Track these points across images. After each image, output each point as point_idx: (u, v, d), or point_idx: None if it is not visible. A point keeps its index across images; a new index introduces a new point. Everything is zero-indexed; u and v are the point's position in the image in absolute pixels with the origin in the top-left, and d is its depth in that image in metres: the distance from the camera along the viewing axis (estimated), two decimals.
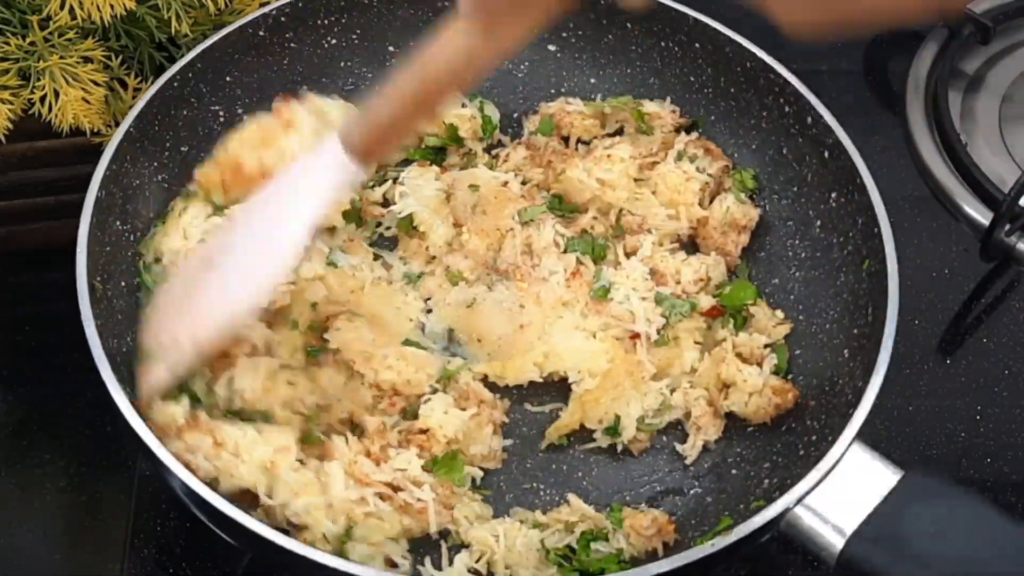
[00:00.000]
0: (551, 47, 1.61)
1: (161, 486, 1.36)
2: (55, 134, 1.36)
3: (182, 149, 1.45)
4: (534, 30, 1.06)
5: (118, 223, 1.37)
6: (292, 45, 1.54)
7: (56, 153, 1.43)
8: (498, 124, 1.58)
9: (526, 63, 1.62)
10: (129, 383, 1.24)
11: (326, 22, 1.56)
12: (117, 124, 1.38)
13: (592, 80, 1.60)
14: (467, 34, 1.07)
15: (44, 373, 1.48)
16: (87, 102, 1.34)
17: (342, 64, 1.58)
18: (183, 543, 1.35)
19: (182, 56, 1.44)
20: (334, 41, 1.57)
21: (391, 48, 1.60)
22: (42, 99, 1.33)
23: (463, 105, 1.56)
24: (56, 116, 1.33)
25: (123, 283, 1.36)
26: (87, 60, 1.35)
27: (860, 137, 1.42)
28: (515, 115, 1.61)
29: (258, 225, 1.27)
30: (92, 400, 1.41)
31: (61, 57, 1.33)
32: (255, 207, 1.29)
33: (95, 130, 1.36)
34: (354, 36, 1.58)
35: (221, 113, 1.49)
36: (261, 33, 1.51)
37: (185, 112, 1.46)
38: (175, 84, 1.43)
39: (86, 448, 1.42)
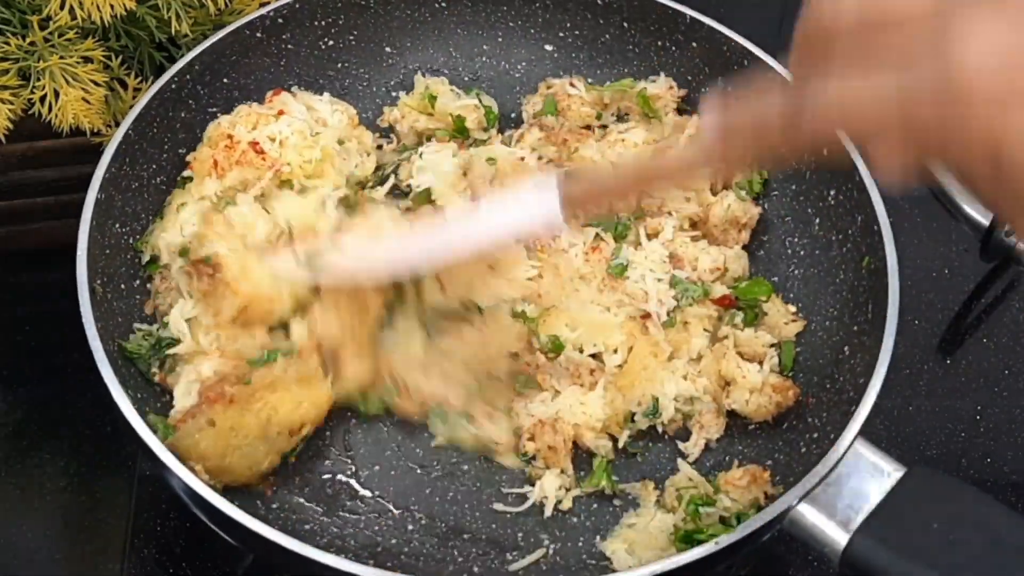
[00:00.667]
0: (548, 47, 1.62)
1: (161, 486, 1.36)
2: (55, 134, 1.36)
3: (180, 151, 1.45)
4: (760, 162, 1.15)
5: (117, 225, 1.37)
6: (289, 47, 1.54)
7: (56, 153, 1.43)
8: (499, 113, 1.59)
9: (523, 62, 1.63)
10: (130, 384, 1.24)
11: (323, 23, 1.56)
12: (117, 124, 1.38)
13: (589, 80, 1.60)
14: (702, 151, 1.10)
15: (44, 373, 1.48)
16: (87, 102, 1.34)
17: (339, 65, 1.59)
18: (183, 543, 1.35)
19: (182, 56, 1.44)
20: (331, 42, 1.58)
21: (388, 49, 1.60)
22: (42, 99, 1.33)
23: (458, 96, 1.58)
24: (56, 116, 1.33)
25: (123, 285, 1.36)
26: (87, 60, 1.35)
27: None
28: (512, 115, 1.61)
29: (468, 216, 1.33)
30: (92, 400, 1.42)
31: (61, 57, 1.33)
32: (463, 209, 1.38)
33: (95, 130, 1.36)
34: (351, 37, 1.58)
35: (219, 115, 1.49)
36: (258, 35, 1.51)
37: (183, 114, 1.46)
38: (173, 86, 1.43)
39: (86, 448, 1.42)
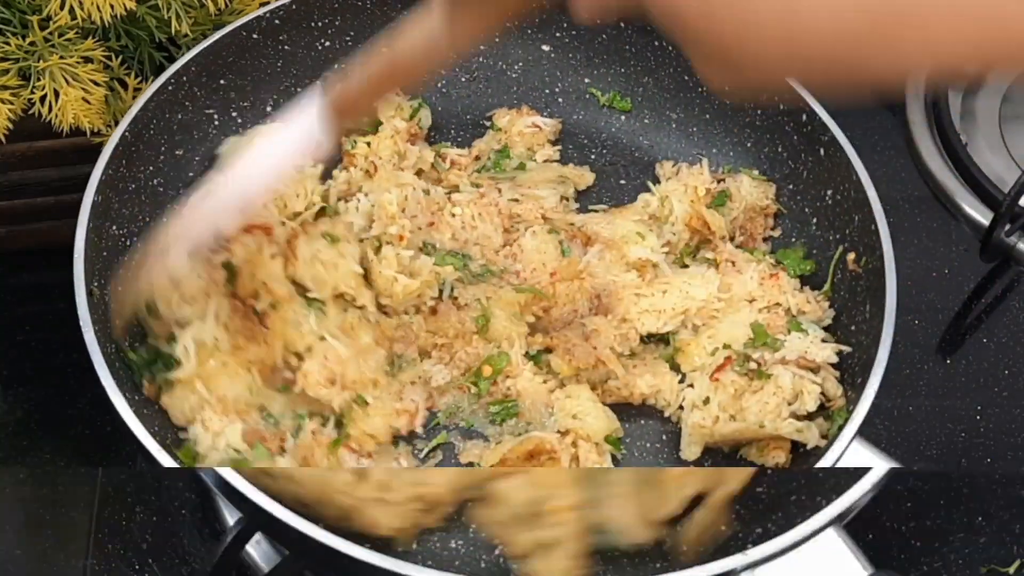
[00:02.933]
0: (545, 47, 1.62)
1: (126, 479, 1.36)
2: (55, 134, 1.36)
3: (177, 153, 1.46)
4: (492, 31, 1.09)
5: (114, 228, 1.36)
6: (286, 48, 1.54)
7: (56, 153, 1.43)
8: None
9: (520, 63, 1.62)
10: (127, 386, 1.24)
11: (320, 24, 1.56)
12: (117, 124, 1.38)
13: (586, 80, 1.61)
14: (433, 20, 1.09)
15: (44, 373, 1.48)
16: (87, 102, 1.34)
17: (336, 66, 1.58)
18: (149, 538, 1.34)
19: (181, 56, 1.44)
20: (328, 43, 1.57)
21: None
22: (42, 99, 1.33)
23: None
24: (56, 116, 1.33)
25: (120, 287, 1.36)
26: (87, 60, 1.35)
27: (860, 137, 1.43)
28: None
29: (244, 163, 1.31)
30: (92, 400, 1.41)
31: (61, 57, 1.33)
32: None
33: (95, 130, 1.36)
34: (348, 38, 1.58)
35: (215, 116, 1.49)
36: (255, 36, 1.50)
37: (180, 115, 1.46)
38: (170, 87, 1.43)
39: (86, 448, 1.42)
